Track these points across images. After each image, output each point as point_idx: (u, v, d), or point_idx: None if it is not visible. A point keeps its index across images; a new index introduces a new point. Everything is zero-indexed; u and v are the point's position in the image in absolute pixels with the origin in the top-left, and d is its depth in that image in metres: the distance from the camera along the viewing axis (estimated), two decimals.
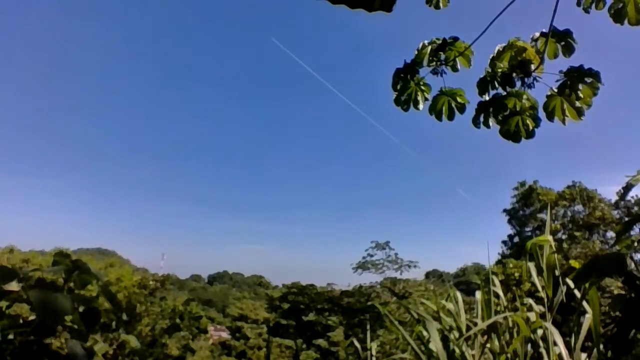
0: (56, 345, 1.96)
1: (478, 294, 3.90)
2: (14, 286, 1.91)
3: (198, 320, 26.10)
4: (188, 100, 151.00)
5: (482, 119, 2.93)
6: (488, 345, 3.51)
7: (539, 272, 3.60)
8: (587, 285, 2.96)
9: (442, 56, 2.99)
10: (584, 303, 3.18)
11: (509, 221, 30.79)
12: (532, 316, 3.35)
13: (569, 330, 3.31)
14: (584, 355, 3.13)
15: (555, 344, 3.06)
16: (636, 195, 22.33)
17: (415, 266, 27.28)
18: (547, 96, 2.82)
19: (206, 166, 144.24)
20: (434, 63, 3.00)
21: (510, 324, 3.50)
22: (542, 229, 24.98)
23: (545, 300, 3.50)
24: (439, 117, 3.08)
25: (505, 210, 31.01)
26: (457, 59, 3.00)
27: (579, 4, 2.83)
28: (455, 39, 2.97)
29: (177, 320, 21.32)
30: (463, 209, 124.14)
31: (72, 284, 2.11)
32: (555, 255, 3.62)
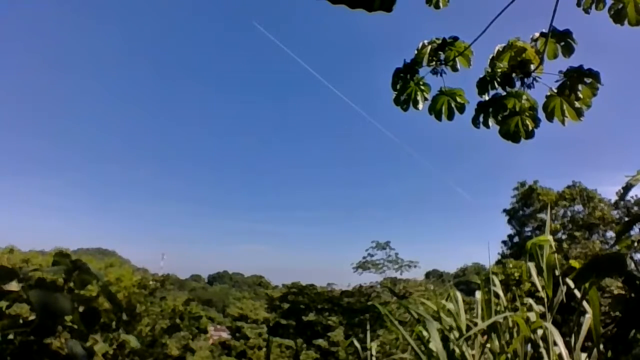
0: (56, 345, 1.96)
1: (478, 294, 3.90)
2: (14, 286, 1.91)
3: (198, 320, 26.13)
4: (188, 100, 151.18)
5: (481, 119, 2.93)
6: (488, 345, 3.51)
7: (539, 272, 3.60)
8: (587, 285, 2.96)
9: (442, 56, 2.99)
10: (584, 303, 3.18)
11: (509, 221, 30.83)
12: (532, 316, 3.35)
13: (569, 330, 3.31)
14: (584, 355, 3.13)
15: (555, 344, 3.06)
16: (636, 195, 22.37)
17: (415, 266, 27.43)
18: (547, 96, 2.82)
19: (206, 166, 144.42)
20: (434, 63, 3.00)
21: (510, 324, 3.50)
22: (542, 229, 24.96)
23: (545, 300, 3.50)
24: (438, 117, 3.08)
25: (505, 210, 31.05)
26: (456, 59, 3.00)
27: (579, 5, 2.83)
28: (455, 38, 2.97)
29: (177, 320, 21.33)
30: (463, 209, 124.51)
31: (72, 284, 2.11)
32: (555, 255, 3.62)
